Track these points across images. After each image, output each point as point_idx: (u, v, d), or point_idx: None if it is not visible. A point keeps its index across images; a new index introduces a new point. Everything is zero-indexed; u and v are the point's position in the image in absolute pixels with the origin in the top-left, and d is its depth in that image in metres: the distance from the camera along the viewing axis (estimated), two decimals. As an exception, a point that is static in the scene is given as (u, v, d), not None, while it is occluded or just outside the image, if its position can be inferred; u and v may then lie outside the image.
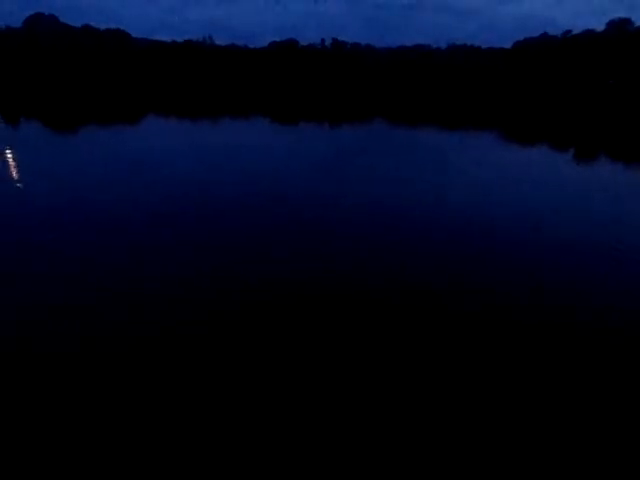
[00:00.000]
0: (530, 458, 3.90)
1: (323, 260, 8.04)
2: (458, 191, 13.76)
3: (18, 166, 15.08)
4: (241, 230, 9.52)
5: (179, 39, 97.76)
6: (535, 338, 5.76)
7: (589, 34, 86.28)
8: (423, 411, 4.40)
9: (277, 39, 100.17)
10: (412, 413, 4.37)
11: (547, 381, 4.91)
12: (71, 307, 6.08)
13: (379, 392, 4.64)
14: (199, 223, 9.90)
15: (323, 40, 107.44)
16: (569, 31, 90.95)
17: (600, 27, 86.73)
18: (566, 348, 5.56)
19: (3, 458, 3.73)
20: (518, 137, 31.33)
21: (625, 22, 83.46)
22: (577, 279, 7.71)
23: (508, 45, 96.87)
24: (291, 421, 4.21)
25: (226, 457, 3.80)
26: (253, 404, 4.40)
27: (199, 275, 7.26)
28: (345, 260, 8.13)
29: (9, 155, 16.73)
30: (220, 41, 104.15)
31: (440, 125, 38.10)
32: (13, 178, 13.34)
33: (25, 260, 7.55)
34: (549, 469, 3.82)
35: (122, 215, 10.18)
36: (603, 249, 9.16)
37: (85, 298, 6.33)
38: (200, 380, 4.72)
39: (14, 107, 39.24)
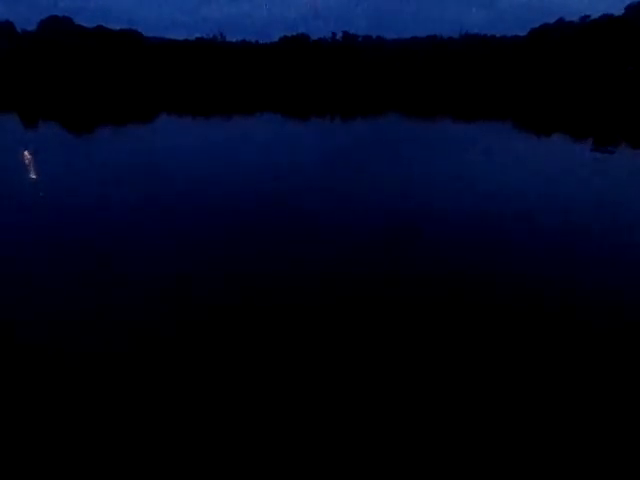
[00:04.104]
0: (532, 456, 3.90)
1: (336, 255, 8.08)
2: (476, 185, 13.59)
3: (37, 167, 15.42)
4: (255, 226, 9.59)
5: (191, 37, 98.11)
6: (564, 341, 5.70)
7: (607, 19, 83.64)
8: (430, 411, 4.41)
9: (288, 34, 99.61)
10: (421, 413, 4.38)
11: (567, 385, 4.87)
12: (81, 299, 6.25)
13: (386, 393, 4.66)
14: (211, 218, 10.01)
15: (334, 34, 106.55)
16: (587, 16, 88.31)
17: (619, 12, 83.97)
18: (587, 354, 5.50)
19: (4, 458, 3.85)
20: (536, 127, 30.69)
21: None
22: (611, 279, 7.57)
23: (523, 33, 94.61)
24: (294, 418, 4.26)
25: (226, 457, 3.86)
26: (256, 400, 4.46)
27: (210, 270, 7.36)
28: (358, 257, 8.14)
29: (28, 157, 17.12)
30: (231, 37, 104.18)
31: (455, 116, 37.54)
32: (31, 178, 13.65)
33: (40, 257, 7.75)
34: (549, 467, 3.81)
35: (137, 212, 10.37)
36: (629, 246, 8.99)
37: (95, 290, 6.49)
38: (201, 379, 4.81)
39: (32, 109, 40.02)
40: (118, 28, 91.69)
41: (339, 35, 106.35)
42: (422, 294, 6.73)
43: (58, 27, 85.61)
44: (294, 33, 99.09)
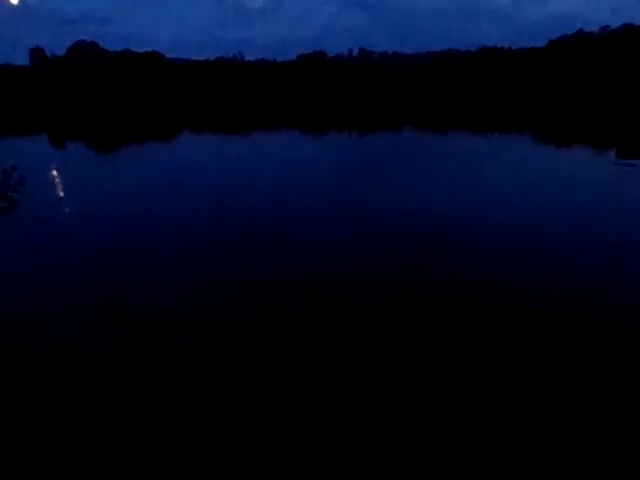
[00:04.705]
0: (533, 458, 3.81)
1: (353, 266, 8.07)
2: (496, 198, 13.46)
3: (64, 185, 16.00)
4: (275, 238, 9.69)
5: (211, 57, 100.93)
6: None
7: (628, 28, 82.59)
8: (438, 416, 4.32)
9: (305, 52, 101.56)
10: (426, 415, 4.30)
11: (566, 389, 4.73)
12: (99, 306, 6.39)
13: (399, 401, 4.60)
14: (231, 229, 10.18)
15: (351, 50, 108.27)
16: (607, 26, 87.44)
17: (639, 21, 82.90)
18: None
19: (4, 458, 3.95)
20: (556, 138, 30.29)
21: (667, 13, 79.10)
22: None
23: (541, 45, 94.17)
24: (300, 422, 4.24)
25: (227, 458, 3.88)
26: (267, 408, 4.46)
27: (227, 279, 7.45)
28: (376, 268, 8.11)
29: (56, 176, 17.81)
30: (250, 57, 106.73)
31: (473, 129, 37.43)
32: (59, 197, 14.15)
33: (65, 269, 7.99)
34: (550, 469, 3.72)
35: (157, 224, 10.63)
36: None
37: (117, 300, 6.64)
38: (214, 388, 4.83)
39: (60, 130, 41.67)
40: (142, 51, 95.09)
41: (356, 51, 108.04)
42: (440, 308, 6.64)
43: (85, 51, 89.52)
44: (311, 50, 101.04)
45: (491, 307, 6.65)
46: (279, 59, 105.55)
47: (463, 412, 4.47)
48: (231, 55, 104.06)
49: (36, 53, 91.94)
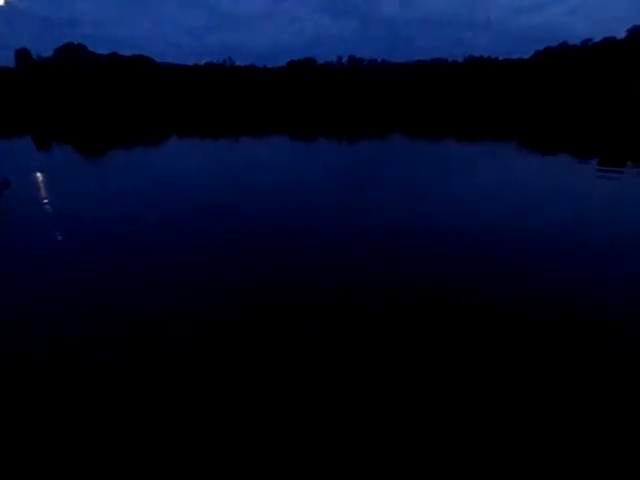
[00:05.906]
0: (531, 459, 3.85)
1: (338, 275, 8.10)
2: (481, 202, 13.63)
3: (48, 187, 15.78)
4: (268, 242, 9.68)
5: (201, 62, 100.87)
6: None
7: (610, 41, 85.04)
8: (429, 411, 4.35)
9: (295, 58, 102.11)
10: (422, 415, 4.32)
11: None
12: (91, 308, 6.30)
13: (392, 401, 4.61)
14: (224, 235, 10.13)
15: (340, 57, 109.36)
16: (589, 39, 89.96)
17: (621, 35, 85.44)
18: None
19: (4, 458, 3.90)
20: (541, 147, 30.86)
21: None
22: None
23: (527, 56, 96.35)
24: (296, 424, 4.24)
25: (226, 458, 3.85)
26: (262, 406, 4.45)
27: (223, 285, 7.41)
28: (361, 273, 8.15)
29: (40, 178, 17.55)
30: (240, 62, 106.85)
31: (459, 137, 37.93)
32: (44, 200, 13.95)
33: (53, 281, 7.87)
34: (550, 470, 3.77)
35: (148, 228, 10.53)
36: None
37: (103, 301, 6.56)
38: (216, 392, 4.80)
39: (45, 133, 41.12)
40: (130, 54, 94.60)
41: (345, 59, 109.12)
42: (440, 311, 6.69)
43: (73, 54, 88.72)
44: (301, 57, 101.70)
45: (489, 309, 6.73)
46: (269, 65, 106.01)
47: (463, 415, 4.51)
48: (221, 60, 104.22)
49: (22, 55, 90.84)
